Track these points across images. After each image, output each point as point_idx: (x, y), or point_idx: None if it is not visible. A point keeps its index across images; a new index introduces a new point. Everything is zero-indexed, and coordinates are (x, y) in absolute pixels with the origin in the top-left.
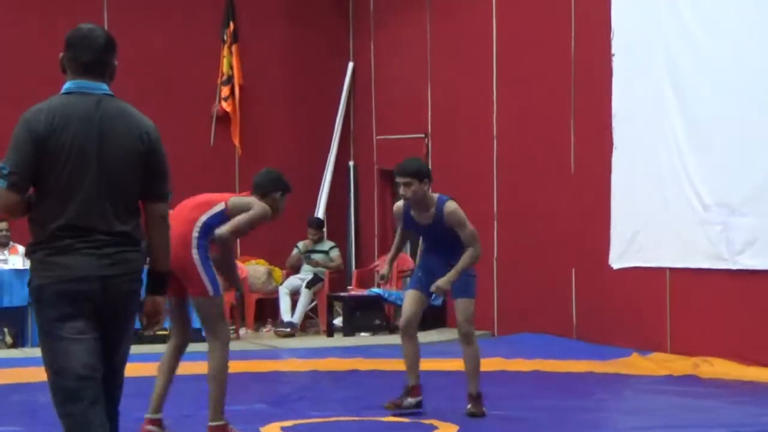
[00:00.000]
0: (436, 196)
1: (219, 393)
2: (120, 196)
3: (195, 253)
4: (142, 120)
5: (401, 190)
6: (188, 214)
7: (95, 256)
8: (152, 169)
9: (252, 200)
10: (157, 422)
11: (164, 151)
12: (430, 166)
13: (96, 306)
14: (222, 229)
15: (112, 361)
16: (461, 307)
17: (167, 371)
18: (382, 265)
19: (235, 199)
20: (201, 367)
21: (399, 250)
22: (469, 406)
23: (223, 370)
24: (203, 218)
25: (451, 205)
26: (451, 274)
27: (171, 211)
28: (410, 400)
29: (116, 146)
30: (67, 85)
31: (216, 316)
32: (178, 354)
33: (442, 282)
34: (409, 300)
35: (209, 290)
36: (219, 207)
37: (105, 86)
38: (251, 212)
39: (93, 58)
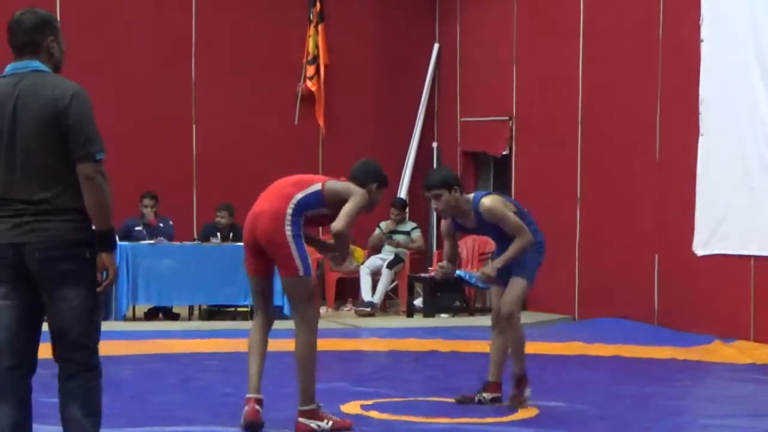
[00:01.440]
0: (471, 196)
1: (307, 377)
2: (37, 166)
3: (288, 230)
4: (59, 87)
5: (433, 204)
6: (283, 191)
7: (10, 224)
8: (68, 132)
9: (349, 186)
10: (261, 402)
11: (85, 112)
12: (508, 150)
13: (14, 271)
14: (338, 224)
15: (56, 326)
16: (510, 284)
17: (258, 351)
18: (463, 247)
19: (332, 182)
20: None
21: (453, 259)
22: (514, 392)
23: (310, 354)
24: (298, 196)
25: (485, 202)
26: (497, 262)
27: (266, 189)
28: (485, 396)
29: (29, 118)
30: (5, 69)
31: (305, 297)
32: (265, 332)
33: (487, 268)
34: (493, 294)
35: (300, 270)
36: (315, 187)
37: (36, 63)
38: (357, 199)
39: (23, 40)
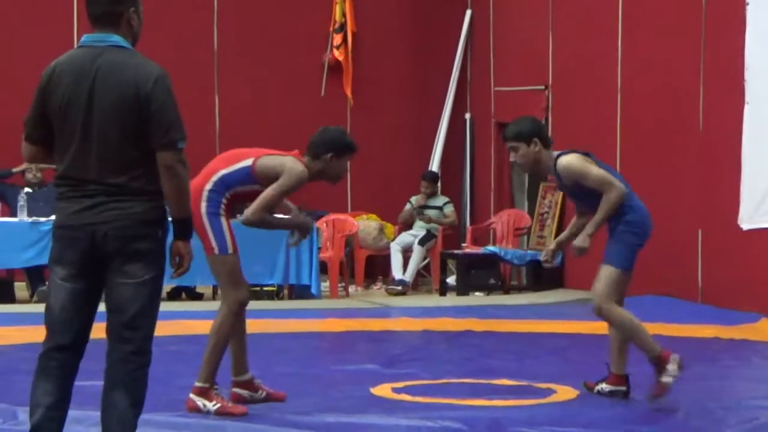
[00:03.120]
0: (555, 154)
1: (211, 354)
2: (112, 148)
3: (203, 207)
4: (142, 68)
5: (510, 156)
6: (210, 167)
7: (83, 206)
8: (149, 118)
9: (283, 161)
10: (244, 384)
11: (168, 98)
12: (545, 120)
13: (83, 254)
14: (248, 212)
15: (116, 302)
16: (598, 274)
17: (236, 331)
18: (497, 222)
19: (265, 158)
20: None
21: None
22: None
23: (220, 333)
24: (222, 172)
25: (563, 161)
26: (587, 229)
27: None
28: (603, 386)
29: (107, 98)
30: (81, 39)
31: (223, 276)
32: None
33: (578, 240)
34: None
35: (214, 248)
36: (245, 163)
37: (116, 37)
38: (280, 182)
39: (102, 9)
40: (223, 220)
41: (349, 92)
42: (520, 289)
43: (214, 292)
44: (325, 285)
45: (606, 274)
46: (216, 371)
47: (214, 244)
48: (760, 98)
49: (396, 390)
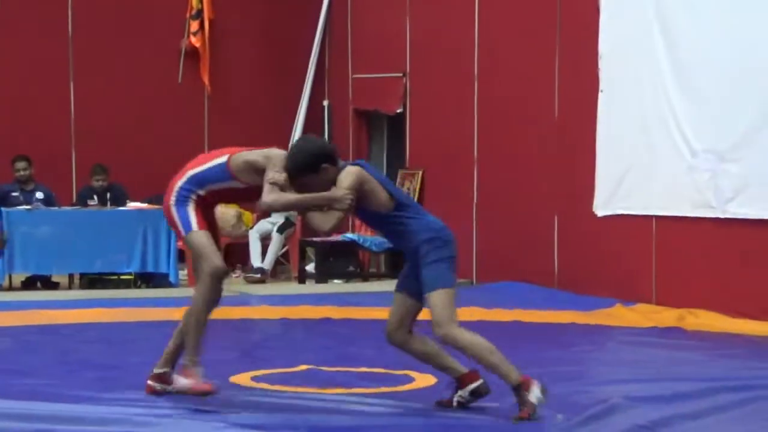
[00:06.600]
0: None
1: (187, 332)
2: None
3: (172, 200)
4: None
5: None
6: (184, 168)
7: None
8: None
9: (264, 152)
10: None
11: None
12: (403, 108)
13: None
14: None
15: None
16: (430, 304)
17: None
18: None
19: (241, 153)
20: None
21: None
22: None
23: (196, 308)
24: (191, 172)
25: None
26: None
27: None
28: (462, 394)
29: None
30: None
31: (196, 253)
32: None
33: None
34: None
35: (182, 231)
36: (218, 161)
37: None
38: (276, 166)
39: None
40: (190, 207)
41: (206, 79)
42: (378, 276)
43: (70, 282)
44: (183, 273)
45: (439, 300)
46: (199, 348)
47: (180, 227)
48: (614, 86)
49: (255, 378)
